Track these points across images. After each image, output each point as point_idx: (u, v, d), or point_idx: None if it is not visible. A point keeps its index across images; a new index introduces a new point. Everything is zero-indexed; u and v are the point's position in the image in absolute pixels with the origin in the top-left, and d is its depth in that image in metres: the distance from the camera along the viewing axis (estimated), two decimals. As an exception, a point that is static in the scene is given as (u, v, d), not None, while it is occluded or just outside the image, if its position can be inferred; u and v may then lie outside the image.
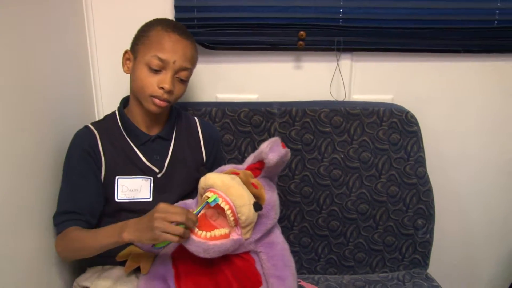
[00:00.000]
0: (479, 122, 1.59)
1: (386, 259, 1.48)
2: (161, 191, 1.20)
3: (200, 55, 1.39)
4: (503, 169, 1.66)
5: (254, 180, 1.08)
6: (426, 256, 1.48)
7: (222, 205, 0.99)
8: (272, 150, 1.07)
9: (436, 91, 1.55)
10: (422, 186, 1.45)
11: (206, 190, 1.04)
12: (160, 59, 1.11)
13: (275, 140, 1.10)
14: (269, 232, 1.10)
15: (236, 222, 1.02)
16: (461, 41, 1.49)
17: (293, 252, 1.16)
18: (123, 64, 1.19)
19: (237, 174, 1.07)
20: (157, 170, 1.21)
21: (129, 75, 1.19)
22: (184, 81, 1.17)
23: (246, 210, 0.99)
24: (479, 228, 1.72)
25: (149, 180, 1.20)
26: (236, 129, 1.42)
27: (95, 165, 1.17)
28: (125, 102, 1.25)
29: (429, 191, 1.45)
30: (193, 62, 1.18)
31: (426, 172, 1.45)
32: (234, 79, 1.50)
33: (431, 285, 1.41)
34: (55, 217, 1.15)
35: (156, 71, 1.12)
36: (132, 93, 1.21)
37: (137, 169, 1.19)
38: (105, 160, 1.17)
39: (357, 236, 1.47)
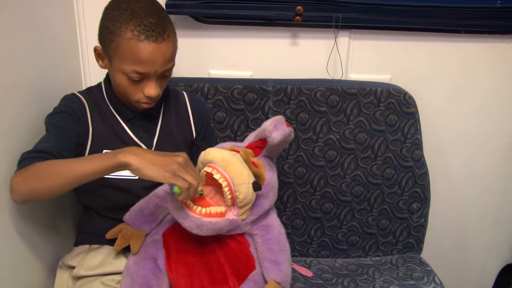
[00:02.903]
0: (477, 104, 1.56)
1: (379, 243, 1.46)
2: None
3: (193, 29, 1.34)
4: (499, 153, 1.63)
5: (254, 159, 1.04)
6: (420, 241, 1.46)
7: (220, 181, 0.95)
8: (276, 128, 1.03)
9: (434, 72, 1.51)
10: (418, 169, 1.42)
11: (205, 165, 0.99)
12: (139, 73, 1.01)
13: (279, 119, 1.06)
14: (266, 214, 1.06)
15: (233, 201, 0.98)
16: (462, 21, 1.45)
17: (286, 234, 1.12)
18: (97, 59, 1.09)
19: (237, 151, 1.03)
20: (145, 148, 1.15)
21: None
22: (169, 75, 1.09)
23: (245, 188, 0.95)
24: (472, 212, 1.70)
25: None
26: (229, 107, 1.38)
27: (81, 130, 1.09)
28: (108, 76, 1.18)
29: (425, 175, 1.42)
30: (175, 55, 1.07)
31: (422, 155, 1.42)
32: (228, 55, 1.45)
33: (424, 270, 1.39)
34: (21, 157, 0.98)
35: (137, 81, 1.03)
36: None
37: (125, 145, 1.13)
38: (92, 130, 1.11)
39: (350, 219, 1.44)
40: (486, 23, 1.46)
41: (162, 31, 1.01)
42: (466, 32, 1.47)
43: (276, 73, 1.42)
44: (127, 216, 1.10)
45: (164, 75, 1.07)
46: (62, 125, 1.06)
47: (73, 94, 1.15)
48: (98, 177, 0.92)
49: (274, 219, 1.09)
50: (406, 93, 1.40)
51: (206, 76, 1.46)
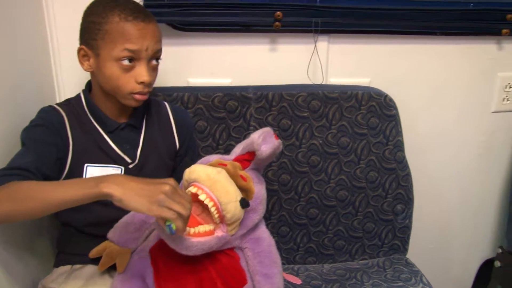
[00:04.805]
0: (455, 104, 1.59)
1: (365, 246, 1.46)
2: None
3: (170, 37, 1.31)
4: (477, 151, 1.66)
5: (242, 172, 1.01)
6: (405, 242, 1.47)
7: (206, 202, 0.92)
8: (265, 141, 1.00)
9: (413, 74, 1.53)
10: (401, 170, 1.42)
11: (189, 183, 0.96)
12: (131, 51, 1.00)
13: (268, 131, 1.03)
14: (255, 227, 1.04)
15: (221, 219, 0.95)
16: (438, 23, 1.47)
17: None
18: (80, 62, 1.06)
19: (224, 165, 1.00)
20: (128, 160, 1.12)
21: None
22: (156, 67, 1.08)
23: (232, 207, 0.93)
24: (453, 211, 1.73)
25: (120, 170, 1.11)
26: (210, 115, 1.35)
27: (61, 144, 1.04)
28: (89, 85, 1.14)
29: (408, 176, 1.43)
30: (161, 39, 1.08)
31: (405, 157, 1.43)
32: (207, 63, 1.42)
33: (411, 270, 1.39)
34: None
35: (128, 66, 1.01)
36: (99, 86, 1.09)
37: (108, 158, 1.10)
38: (73, 144, 1.06)
39: (336, 223, 1.43)
40: (460, 25, 1.48)
41: (147, 13, 1.04)
42: (442, 34, 1.49)
43: (256, 80, 1.40)
44: (111, 234, 1.06)
45: (153, 62, 1.05)
46: (40, 139, 1.02)
47: (51, 106, 1.10)
48: (77, 205, 0.86)
49: (263, 231, 1.07)
50: (386, 95, 1.40)
51: (185, 85, 1.43)
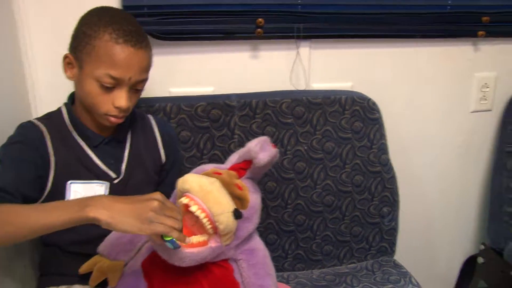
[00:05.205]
0: (435, 105, 1.61)
1: (353, 250, 1.46)
2: None
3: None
4: (457, 151, 1.69)
5: (238, 181, 1.00)
6: (392, 243, 1.48)
7: (197, 214, 0.91)
8: (262, 149, 0.99)
9: (394, 77, 1.54)
10: (386, 173, 1.43)
11: (182, 193, 0.95)
12: (113, 77, 0.97)
13: (265, 139, 1.03)
14: (249, 237, 1.03)
15: (215, 230, 0.94)
16: (417, 26, 1.49)
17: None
18: (65, 69, 1.03)
19: (220, 174, 0.99)
20: (113, 175, 1.09)
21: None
22: (139, 92, 1.05)
23: (225, 218, 0.91)
24: (437, 210, 1.75)
25: (105, 185, 1.08)
26: (193, 125, 1.33)
27: (41, 162, 1.00)
28: (71, 98, 1.11)
29: (393, 178, 1.44)
30: (149, 69, 1.05)
31: (389, 159, 1.44)
32: (188, 72, 1.40)
33: (399, 272, 1.40)
34: None
35: (108, 88, 0.98)
36: (80, 99, 1.06)
37: (91, 174, 1.07)
38: (55, 160, 1.02)
39: (324, 228, 1.43)
40: (438, 28, 1.51)
41: (141, 39, 0.99)
42: (421, 37, 1.51)
43: (239, 87, 1.39)
44: (102, 247, 1.03)
45: (136, 88, 1.02)
46: (19, 157, 0.98)
47: (30, 122, 1.06)
48: (60, 229, 0.83)
49: (258, 242, 1.06)
50: (369, 99, 1.41)
51: (167, 95, 1.40)
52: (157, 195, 0.85)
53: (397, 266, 1.44)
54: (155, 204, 0.82)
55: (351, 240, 1.45)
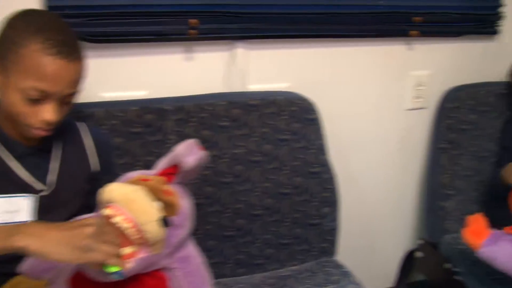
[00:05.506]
0: (372, 104, 1.63)
1: (294, 252, 1.45)
2: (46, 212, 1.02)
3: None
4: (395, 147, 1.72)
5: (167, 187, 0.96)
6: (333, 244, 1.48)
7: (121, 225, 0.86)
8: (189, 153, 0.96)
9: (331, 76, 1.54)
10: (325, 173, 1.43)
11: (105, 205, 0.90)
12: (40, 91, 0.89)
13: (192, 142, 1.00)
14: (183, 245, 0.99)
15: (143, 240, 0.89)
16: (352, 26, 1.50)
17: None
18: None
19: (147, 180, 0.95)
20: (39, 188, 1.02)
21: None
22: (69, 103, 0.98)
23: (152, 227, 0.87)
24: (376, 207, 1.77)
25: (31, 199, 1.02)
26: (126, 131, 1.28)
27: None
28: None
29: (332, 178, 1.45)
30: (82, 80, 0.97)
31: (328, 159, 1.44)
32: (120, 75, 1.34)
33: (341, 272, 1.41)
34: None
35: (34, 100, 0.90)
36: (3, 106, 0.98)
37: (14, 186, 1.00)
38: None
39: (264, 232, 1.41)
40: (373, 27, 1.52)
41: (74, 50, 0.92)
42: (357, 36, 1.52)
43: (174, 91, 1.35)
44: (24, 266, 0.96)
45: (66, 101, 0.95)
46: None
47: None
48: None
49: (192, 249, 1.03)
50: (306, 100, 1.41)
51: (98, 99, 1.34)
52: (92, 220, 0.81)
53: (338, 266, 1.45)
54: (90, 230, 0.79)
55: (292, 242, 1.44)
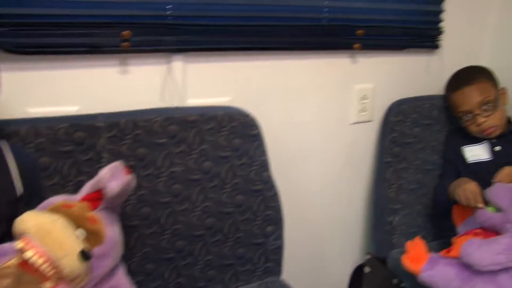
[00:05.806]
0: (317, 118, 1.60)
1: (238, 273, 1.40)
2: None
3: (2, 61, 1.13)
4: (340, 162, 1.70)
5: (91, 214, 0.89)
6: (279, 263, 1.44)
7: (33, 260, 0.78)
8: (113, 177, 0.90)
9: (273, 90, 1.50)
10: (268, 191, 1.39)
11: (19, 237, 0.82)
12: None
13: (117, 166, 0.94)
14: (111, 274, 0.92)
15: (61, 275, 0.82)
16: (294, 38, 1.47)
17: (137, 283, 1.01)
18: None
19: (71, 207, 0.88)
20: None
21: None
22: None
23: (69, 261, 0.80)
24: (323, 223, 1.74)
25: None
26: (54, 150, 1.19)
27: None
28: None
29: (275, 196, 1.40)
30: None
31: (271, 176, 1.40)
32: (48, 89, 1.25)
33: (287, 292, 1.37)
34: None
35: None
36: None
37: None
38: None
39: (206, 253, 1.35)
40: (316, 40, 1.50)
41: None
42: (300, 49, 1.49)
43: (107, 106, 1.27)
44: None
45: None
46: None
47: None
48: None
49: (121, 278, 0.96)
50: (248, 115, 1.36)
51: (23, 116, 1.24)
52: (10, 264, 0.76)
53: (284, 286, 1.40)
54: (8, 282, 0.74)
55: (235, 262, 1.39)
